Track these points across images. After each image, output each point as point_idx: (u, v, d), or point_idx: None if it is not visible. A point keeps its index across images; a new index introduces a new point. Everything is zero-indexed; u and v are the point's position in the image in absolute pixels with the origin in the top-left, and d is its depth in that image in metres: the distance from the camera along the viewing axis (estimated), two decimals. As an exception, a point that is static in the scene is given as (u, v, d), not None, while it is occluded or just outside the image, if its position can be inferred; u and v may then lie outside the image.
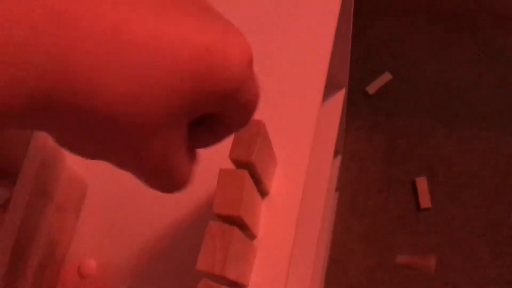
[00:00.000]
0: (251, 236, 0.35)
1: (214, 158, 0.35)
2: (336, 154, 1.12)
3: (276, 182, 0.38)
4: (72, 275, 0.38)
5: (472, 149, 1.45)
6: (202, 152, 0.24)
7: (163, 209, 0.39)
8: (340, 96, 0.80)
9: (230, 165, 0.33)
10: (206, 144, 0.23)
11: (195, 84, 0.18)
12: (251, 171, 0.31)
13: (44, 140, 0.33)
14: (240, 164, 0.31)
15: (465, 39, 1.58)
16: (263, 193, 0.37)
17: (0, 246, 0.28)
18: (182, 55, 0.17)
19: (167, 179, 0.21)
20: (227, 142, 0.27)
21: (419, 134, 1.48)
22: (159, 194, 0.22)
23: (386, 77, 1.55)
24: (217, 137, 0.23)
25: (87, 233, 0.39)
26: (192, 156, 0.22)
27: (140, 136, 0.18)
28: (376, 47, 1.59)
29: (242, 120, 0.22)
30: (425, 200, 1.40)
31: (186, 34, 0.18)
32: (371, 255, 1.38)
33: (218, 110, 0.20)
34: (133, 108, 0.17)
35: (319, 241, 1.03)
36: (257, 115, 0.39)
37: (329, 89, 0.79)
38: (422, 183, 1.42)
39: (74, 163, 0.38)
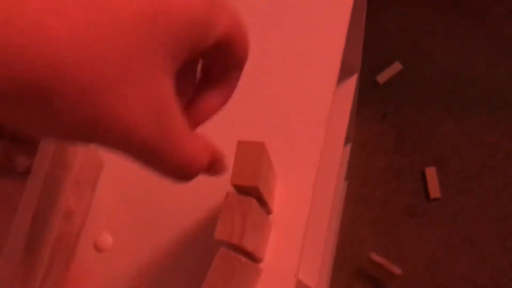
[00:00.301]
0: (267, 210, 0.35)
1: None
2: (346, 142, 1.11)
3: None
4: (88, 248, 0.38)
5: (482, 139, 1.45)
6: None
7: (180, 186, 0.40)
8: (352, 82, 0.79)
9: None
10: (210, 105, 0.21)
11: (167, 24, 0.16)
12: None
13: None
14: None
15: (477, 28, 1.57)
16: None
17: (20, 214, 0.28)
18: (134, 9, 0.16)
19: (168, 152, 0.17)
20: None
21: (429, 124, 1.48)
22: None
23: (397, 66, 1.54)
24: (218, 95, 0.21)
25: (103, 208, 0.39)
26: (197, 136, 0.19)
27: (104, 88, 0.15)
28: (388, 36, 1.58)
29: (236, 71, 0.21)
30: (434, 190, 1.40)
31: None
32: (379, 245, 1.38)
33: (209, 61, 0.20)
34: (83, 55, 0.14)
35: (328, 229, 1.03)
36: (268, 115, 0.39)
37: (342, 74, 0.79)
38: (431, 173, 1.42)
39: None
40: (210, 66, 0.21)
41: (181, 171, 0.18)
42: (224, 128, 0.41)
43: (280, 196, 0.37)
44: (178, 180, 0.19)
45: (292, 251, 0.38)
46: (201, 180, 0.40)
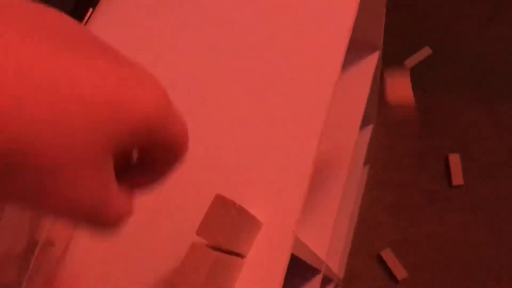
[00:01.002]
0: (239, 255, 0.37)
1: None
2: (367, 122, 1.11)
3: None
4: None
5: (510, 127, 1.42)
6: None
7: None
8: (373, 59, 0.79)
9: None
10: (140, 183, 0.24)
11: (110, 123, 0.18)
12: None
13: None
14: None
15: (509, 14, 1.53)
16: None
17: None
18: (98, 98, 0.18)
19: (100, 214, 0.21)
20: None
21: (456, 110, 1.46)
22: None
23: (426, 51, 1.52)
24: (148, 177, 0.24)
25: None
26: (126, 195, 0.23)
27: (70, 176, 0.18)
28: (418, 21, 1.56)
29: (168, 159, 0.23)
30: (457, 177, 1.38)
31: (100, 78, 0.18)
32: (398, 229, 1.38)
33: (142, 148, 0.22)
34: (60, 150, 0.17)
35: (344, 212, 1.03)
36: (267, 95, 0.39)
37: (361, 51, 0.79)
38: (455, 160, 1.40)
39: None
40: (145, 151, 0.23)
41: (105, 226, 0.22)
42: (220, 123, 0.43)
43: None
44: (100, 230, 0.22)
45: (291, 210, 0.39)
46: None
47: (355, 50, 0.79)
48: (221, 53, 0.46)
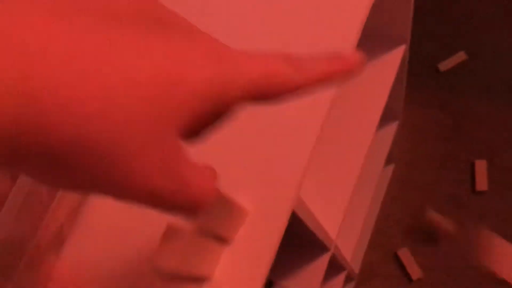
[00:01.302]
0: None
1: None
2: (393, 118, 1.13)
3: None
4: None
5: (540, 137, 1.40)
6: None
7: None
8: (398, 53, 0.81)
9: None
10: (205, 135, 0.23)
11: (164, 105, 0.17)
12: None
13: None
14: None
15: (552, 24, 1.51)
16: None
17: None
18: (145, 81, 0.17)
19: (182, 192, 0.20)
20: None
21: (486, 117, 1.45)
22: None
23: (461, 56, 1.52)
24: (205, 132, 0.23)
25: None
26: (199, 165, 0.21)
27: (121, 155, 0.17)
28: (456, 25, 1.56)
29: (218, 123, 0.22)
30: (482, 183, 1.38)
31: (147, 63, 0.17)
32: (417, 229, 1.38)
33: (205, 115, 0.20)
34: (101, 126, 0.16)
35: (359, 204, 1.05)
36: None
37: (387, 44, 0.81)
38: (481, 166, 1.40)
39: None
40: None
41: (192, 208, 0.21)
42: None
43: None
44: (187, 213, 0.21)
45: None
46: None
47: (380, 43, 0.81)
48: (226, 29, 0.49)
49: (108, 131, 0.16)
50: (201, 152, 0.43)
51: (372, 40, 0.81)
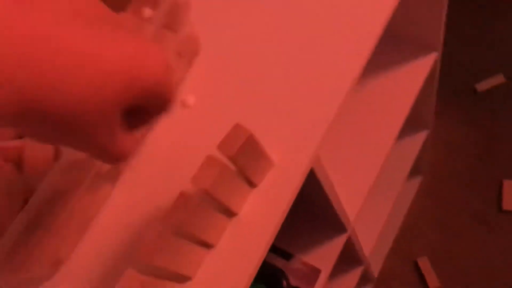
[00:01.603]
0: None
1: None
2: (422, 127, 1.18)
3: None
4: (176, 106, 0.53)
5: None
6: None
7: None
8: (428, 60, 0.87)
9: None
10: (139, 126, 0.32)
11: (128, 90, 0.26)
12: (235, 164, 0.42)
13: None
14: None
15: None
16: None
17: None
18: (116, 71, 0.24)
19: (109, 152, 0.28)
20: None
21: (519, 139, 1.48)
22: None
23: (499, 78, 1.55)
24: (145, 122, 0.32)
25: (194, 77, 0.54)
26: (130, 135, 0.30)
27: (90, 124, 0.25)
28: (497, 47, 1.59)
29: (160, 109, 0.31)
30: (508, 202, 1.41)
31: (118, 54, 0.25)
32: (440, 242, 1.42)
33: (143, 103, 0.28)
34: (85, 106, 0.24)
35: (381, 207, 1.11)
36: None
37: (417, 50, 0.87)
38: (509, 185, 1.42)
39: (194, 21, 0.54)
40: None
41: (114, 161, 0.30)
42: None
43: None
44: (109, 163, 0.31)
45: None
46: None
47: (411, 48, 0.87)
48: (268, 26, 0.57)
49: (88, 108, 0.24)
50: (245, 102, 0.52)
51: (403, 44, 0.87)
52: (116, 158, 0.29)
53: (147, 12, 0.43)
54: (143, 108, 0.29)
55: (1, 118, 0.21)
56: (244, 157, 0.43)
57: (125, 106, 0.26)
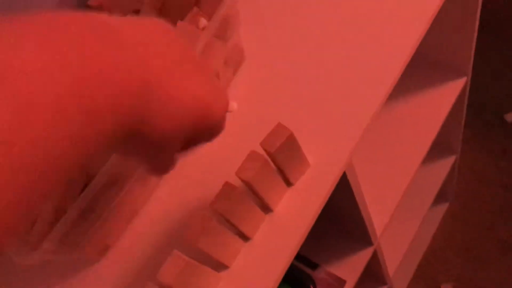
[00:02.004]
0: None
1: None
2: (450, 152, 1.20)
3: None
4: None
5: None
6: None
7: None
8: (457, 84, 0.90)
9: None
10: (189, 148, 0.35)
11: (196, 125, 0.31)
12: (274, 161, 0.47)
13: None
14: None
15: None
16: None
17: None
18: (193, 108, 0.30)
19: (165, 169, 0.34)
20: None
21: (548, 170, 1.47)
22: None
23: (528, 110, 1.56)
24: (195, 146, 0.36)
25: (238, 84, 0.59)
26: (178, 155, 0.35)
27: (168, 149, 0.30)
28: (527, 79, 1.61)
29: (210, 138, 0.35)
30: (535, 233, 1.40)
31: (198, 96, 0.30)
32: (465, 269, 1.42)
33: (200, 133, 0.33)
34: (169, 132, 0.29)
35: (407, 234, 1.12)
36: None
37: (447, 74, 0.90)
38: (537, 216, 1.42)
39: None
40: None
41: (163, 174, 0.38)
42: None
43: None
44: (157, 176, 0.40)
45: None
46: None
47: (440, 72, 0.90)
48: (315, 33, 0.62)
49: (171, 136, 0.29)
50: (290, 102, 0.56)
51: (433, 67, 0.90)
52: (165, 173, 0.36)
53: (202, 21, 0.48)
54: (199, 136, 0.34)
55: (116, 139, 0.26)
56: (283, 155, 0.47)
57: (188, 135, 0.32)
